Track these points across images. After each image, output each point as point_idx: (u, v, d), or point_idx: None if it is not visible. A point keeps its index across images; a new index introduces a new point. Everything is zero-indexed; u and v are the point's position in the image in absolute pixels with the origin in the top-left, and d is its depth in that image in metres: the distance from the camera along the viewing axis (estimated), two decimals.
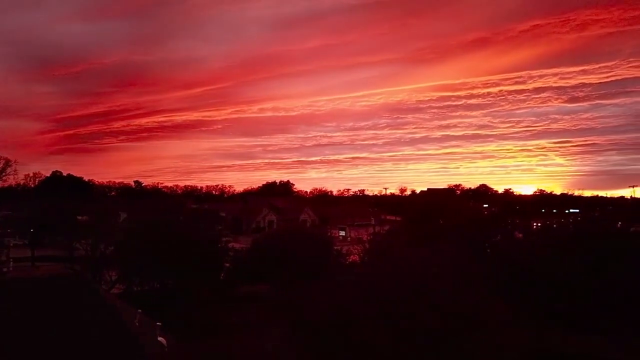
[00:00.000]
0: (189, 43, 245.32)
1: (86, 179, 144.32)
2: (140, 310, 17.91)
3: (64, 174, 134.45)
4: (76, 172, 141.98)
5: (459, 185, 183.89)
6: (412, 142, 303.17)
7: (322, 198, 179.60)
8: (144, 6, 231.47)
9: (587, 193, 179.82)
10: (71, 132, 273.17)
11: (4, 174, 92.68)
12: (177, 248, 32.06)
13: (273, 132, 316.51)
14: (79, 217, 64.53)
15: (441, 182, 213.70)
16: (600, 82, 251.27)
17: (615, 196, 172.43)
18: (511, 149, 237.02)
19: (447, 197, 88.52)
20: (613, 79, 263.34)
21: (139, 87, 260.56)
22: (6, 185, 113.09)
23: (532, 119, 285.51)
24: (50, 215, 61.89)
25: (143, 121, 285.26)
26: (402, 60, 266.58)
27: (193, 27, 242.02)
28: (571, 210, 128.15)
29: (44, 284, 17.44)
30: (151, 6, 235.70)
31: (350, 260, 38.03)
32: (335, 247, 40.99)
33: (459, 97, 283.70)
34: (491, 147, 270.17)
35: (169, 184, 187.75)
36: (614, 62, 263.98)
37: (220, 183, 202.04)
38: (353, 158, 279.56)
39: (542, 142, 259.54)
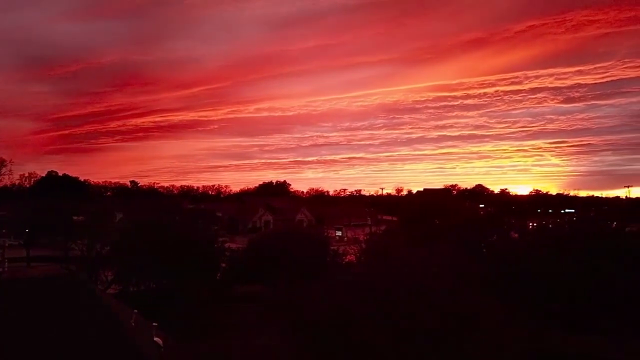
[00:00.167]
0: (185, 43, 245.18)
1: (82, 179, 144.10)
2: (136, 311, 17.85)
3: (60, 174, 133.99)
4: (72, 172, 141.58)
5: (455, 185, 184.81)
6: (409, 142, 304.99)
7: (318, 198, 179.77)
8: (140, 6, 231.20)
9: (583, 193, 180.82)
10: (67, 131, 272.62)
11: None
12: (174, 248, 32.00)
13: (269, 132, 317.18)
14: (75, 217, 64.31)
15: (437, 182, 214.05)
16: (595, 83, 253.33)
17: (611, 196, 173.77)
18: (507, 149, 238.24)
19: (443, 197, 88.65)
20: (608, 79, 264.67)
21: (135, 86, 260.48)
22: (1, 185, 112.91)
23: (528, 120, 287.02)
24: (45, 216, 61.66)
25: (139, 121, 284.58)
26: (399, 60, 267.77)
27: (190, 26, 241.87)
28: (567, 211, 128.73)
29: (40, 285, 17.35)
30: (148, 6, 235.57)
31: (347, 260, 38.05)
32: (332, 247, 41.00)
33: (455, 98, 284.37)
34: (487, 147, 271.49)
35: (165, 184, 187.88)
36: (609, 63, 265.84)
37: (216, 183, 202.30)
38: (349, 158, 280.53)
39: (538, 143, 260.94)
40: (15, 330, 14.72)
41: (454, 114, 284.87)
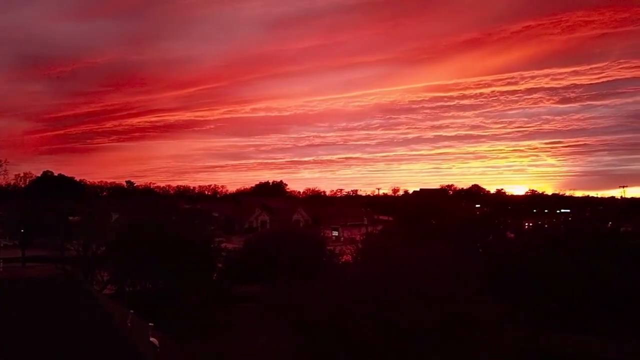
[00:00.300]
0: (182, 43, 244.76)
1: (78, 179, 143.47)
2: (132, 311, 17.83)
3: (55, 174, 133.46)
4: (67, 172, 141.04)
5: (452, 185, 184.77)
6: (405, 142, 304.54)
7: (315, 198, 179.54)
8: (136, 5, 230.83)
9: (578, 193, 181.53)
10: (62, 131, 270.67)
11: None
12: (170, 248, 31.93)
13: (266, 132, 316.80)
14: (71, 218, 64.15)
15: (434, 183, 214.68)
16: (591, 83, 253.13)
17: (606, 196, 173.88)
18: (503, 150, 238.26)
19: (439, 197, 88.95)
20: (604, 80, 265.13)
21: (132, 86, 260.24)
22: None
23: (524, 120, 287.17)
24: (41, 216, 61.47)
25: (135, 121, 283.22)
26: (395, 60, 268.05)
27: (186, 26, 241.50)
28: (562, 211, 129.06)
29: (36, 285, 17.30)
30: (144, 5, 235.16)
31: (343, 260, 38.09)
32: (328, 248, 41.02)
33: (451, 98, 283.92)
34: (483, 147, 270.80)
35: (162, 184, 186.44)
36: (604, 64, 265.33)
37: (212, 183, 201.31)
38: (346, 158, 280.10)
39: (534, 143, 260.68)
40: (11, 331, 14.68)
41: (450, 114, 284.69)
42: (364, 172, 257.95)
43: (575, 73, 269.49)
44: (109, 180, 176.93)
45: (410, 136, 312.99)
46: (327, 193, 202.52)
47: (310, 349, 18.40)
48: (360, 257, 34.62)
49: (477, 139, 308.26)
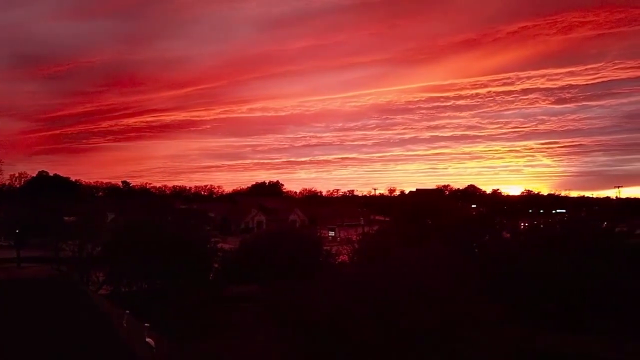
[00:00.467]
0: (178, 42, 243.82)
1: (73, 179, 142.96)
2: (128, 311, 17.78)
3: (51, 174, 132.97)
4: (63, 172, 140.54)
5: (448, 185, 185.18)
6: (401, 142, 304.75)
7: (311, 198, 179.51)
8: (132, 5, 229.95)
9: (574, 193, 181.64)
10: (58, 131, 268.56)
11: None
12: (166, 248, 31.86)
13: (262, 132, 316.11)
14: (66, 218, 63.93)
15: (430, 183, 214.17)
16: (587, 84, 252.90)
17: (602, 196, 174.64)
18: (499, 150, 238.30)
19: (435, 197, 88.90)
20: (600, 80, 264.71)
21: (127, 86, 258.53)
22: None
23: (520, 120, 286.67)
24: (36, 216, 61.25)
25: (131, 121, 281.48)
26: (391, 61, 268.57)
27: (182, 26, 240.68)
28: (558, 211, 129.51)
29: (31, 286, 17.25)
30: (140, 5, 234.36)
31: (340, 260, 38.12)
32: (325, 248, 41.04)
33: (447, 98, 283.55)
34: (479, 147, 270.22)
35: (158, 184, 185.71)
36: (600, 64, 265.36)
37: (209, 183, 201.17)
38: (342, 158, 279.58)
39: (530, 143, 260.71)
40: (6, 332, 14.61)
41: (446, 114, 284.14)
42: (361, 172, 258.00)
43: (571, 74, 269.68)
44: (104, 181, 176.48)
45: (406, 136, 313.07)
46: (324, 193, 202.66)
47: (310, 349, 18.38)
48: (357, 257, 34.64)
49: (473, 139, 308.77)
